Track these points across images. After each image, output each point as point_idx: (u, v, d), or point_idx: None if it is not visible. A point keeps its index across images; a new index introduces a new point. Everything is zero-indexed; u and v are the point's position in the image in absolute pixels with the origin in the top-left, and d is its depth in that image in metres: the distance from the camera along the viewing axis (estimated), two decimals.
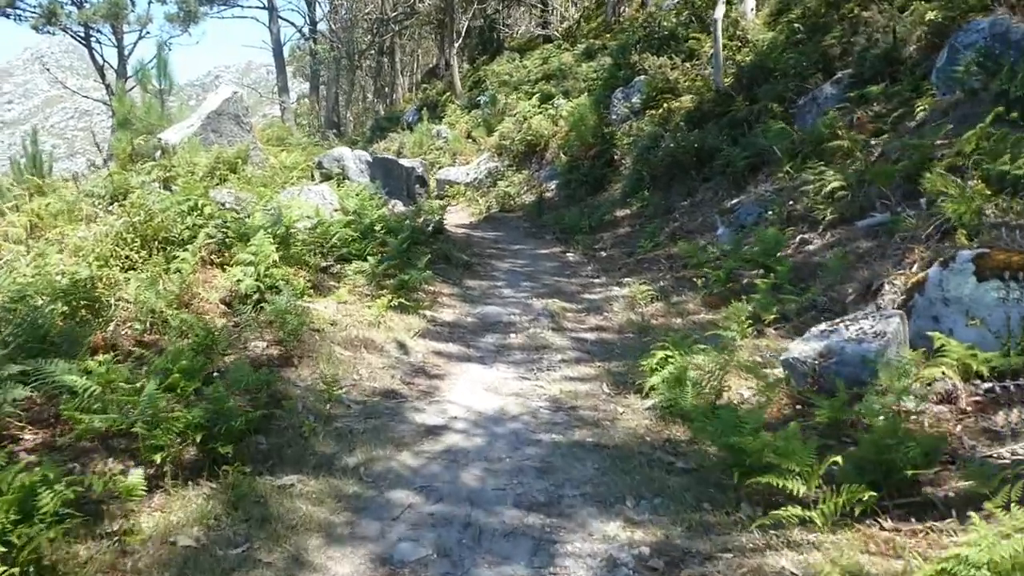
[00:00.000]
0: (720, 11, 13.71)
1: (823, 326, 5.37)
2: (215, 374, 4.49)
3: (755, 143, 10.50)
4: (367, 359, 5.53)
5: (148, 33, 27.46)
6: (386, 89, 38.58)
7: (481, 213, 14.50)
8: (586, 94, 16.97)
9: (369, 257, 7.36)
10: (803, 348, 5.17)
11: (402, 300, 6.59)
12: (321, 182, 11.72)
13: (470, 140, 19.99)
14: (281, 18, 30.21)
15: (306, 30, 33.05)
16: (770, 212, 8.75)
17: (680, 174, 11.46)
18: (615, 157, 14.01)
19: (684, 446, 4.35)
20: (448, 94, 25.35)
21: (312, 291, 6.64)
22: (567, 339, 6.50)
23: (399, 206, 11.51)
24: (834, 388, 4.76)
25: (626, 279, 8.70)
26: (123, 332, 4.95)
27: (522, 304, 7.62)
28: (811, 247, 7.71)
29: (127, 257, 5.78)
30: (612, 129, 14.68)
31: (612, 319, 7.09)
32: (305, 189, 9.76)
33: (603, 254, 10.42)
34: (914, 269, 6.22)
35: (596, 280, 8.88)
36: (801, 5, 13.92)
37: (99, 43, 26.18)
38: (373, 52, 33.16)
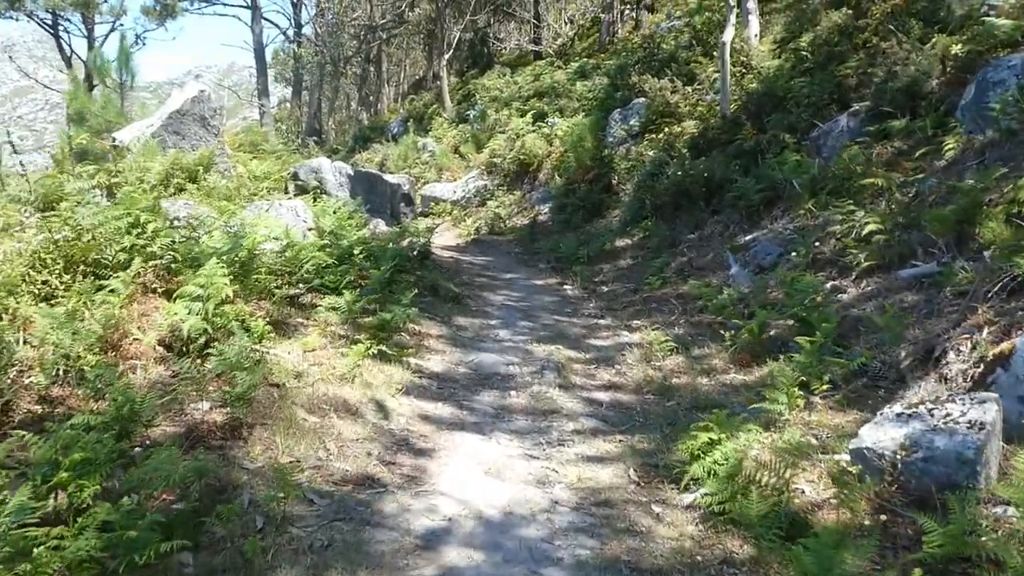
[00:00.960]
0: (729, 34, 12.86)
1: (897, 407, 4.36)
2: (135, 450, 3.37)
3: (770, 175, 9.58)
4: (337, 427, 4.42)
5: (122, 25, 26.10)
6: (371, 98, 37.48)
7: (469, 235, 13.44)
8: (582, 114, 16.03)
9: (345, 291, 6.26)
10: (877, 436, 4.15)
11: (383, 347, 5.48)
12: (296, 196, 10.61)
13: (457, 155, 18.96)
14: (264, 18, 29.02)
15: (291, 32, 31.92)
16: (794, 253, 7.79)
17: (687, 204, 10.51)
18: (613, 182, 13.04)
19: (747, 570, 3.31)
20: (436, 106, 24.32)
21: (275, 332, 5.52)
22: (578, 400, 5.44)
23: (382, 226, 10.42)
24: (924, 492, 3.77)
25: (635, 321, 7.67)
26: (22, 385, 3.80)
27: (521, 351, 6.55)
28: (845, 296, 6.74)
29: (45, 283, 4.63)
30: (610, 152, 13.74)
31: (627, 374, 6.05)
32: (276, 204, 8.63)
33: (604, 289, 9.40)
34: (985, 335, 5.26)
35: (601, 321, 7.84)
36: (811, 32, 13.08)
37: (68, 32, 24.82)
38: (359, 59, 32.06)
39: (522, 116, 17.46)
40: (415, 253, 9.58)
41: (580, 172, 13.40)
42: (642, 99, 14.85)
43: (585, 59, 21.90)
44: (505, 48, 29.48)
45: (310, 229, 8.78)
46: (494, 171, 16.45)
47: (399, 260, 8.42)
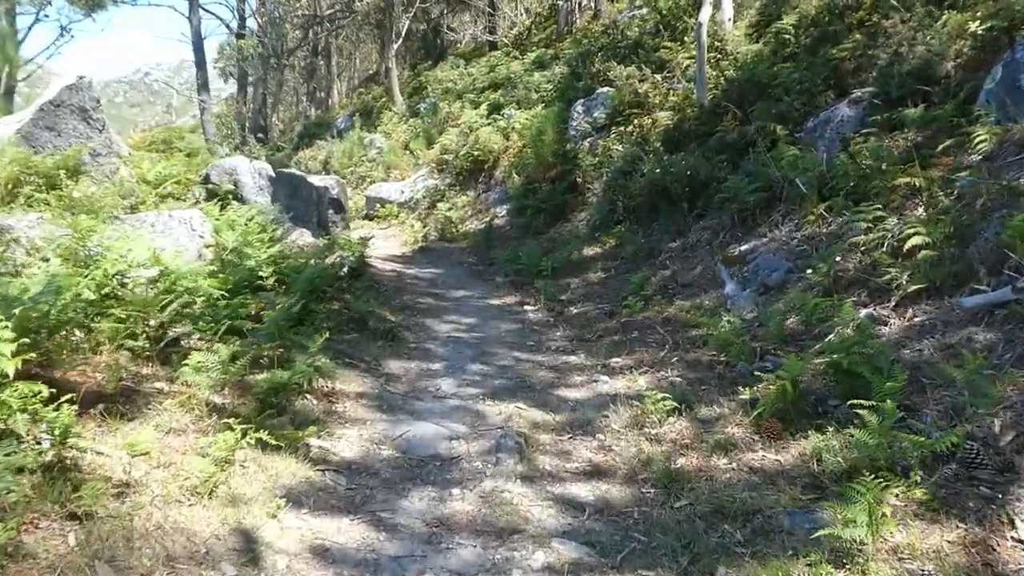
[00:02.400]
0: (706, 13, 11.28)
1: None
2: None
3: (764, 173, 7.98)
4: None
5: (47, 16, 23.66)
6: (321, 94, 35.21)
7: (417, 242, 11.61)
8: (541, 105, 14.30)
9: (228, 339, 4.42)
10: None
11: (264, 435, 3.67)
12: (205, 202, 8.69)
13: (408, 152, 17.08)
14: (204, 9, 26.73)
15: (234, 25, 29.55)
16: (809, 270, 6.18)
17: (666, 207, 8.86)
18: (578, 181, 11.35)
19: None
20: (385, 100, 22.34)
21: (115, 409, 3.70)
22: (549, 503, 3.72)
23: (307, 237, 8.57)
24: None
25: (616, 359, 5.98)
26: None
27: (470, 413, 4.80)
28: (887, 330, 5.14)
29: None
30: (574, 147, 12.04)
31: (613, 448, 4.35)
32: (163, 216, 6.74)
33: (574, 311, 7.69)
34: None
35: (573, 359, 6.13)
36: (795, 13, 11.50)
37: None
38: (306, 52, 29.85)
39: (476, 108, 15.66)
40: (344, 271, 7.76)
41: (541, 169, 11.67)
42: (607, 89, 13.20)
43: (543, 49, 20.19)
44: (460, 39, 27.59)
45: (208, 246, 6.91)
46: (445, 169, 14.64)
47: (319, 283, 6.60)
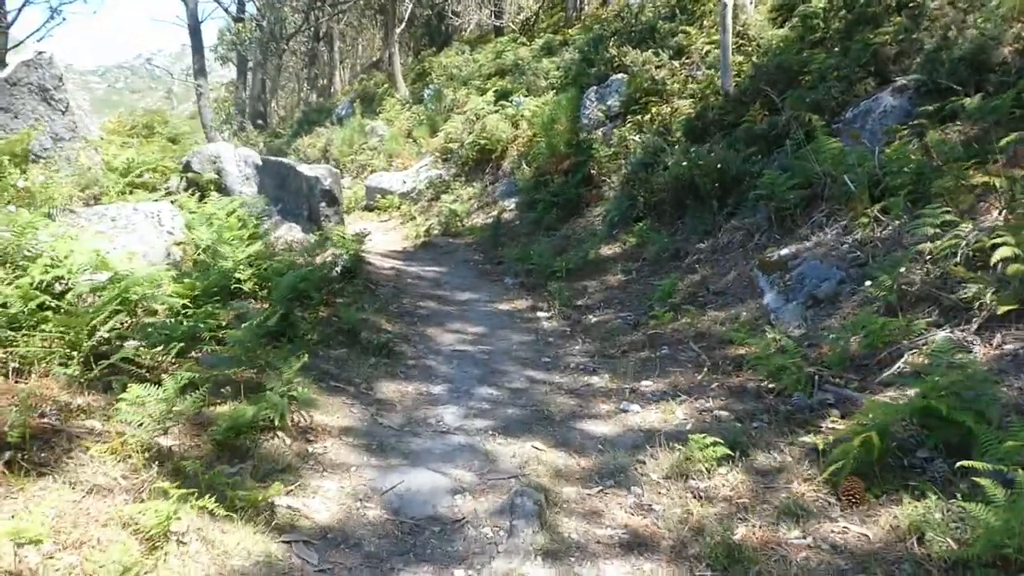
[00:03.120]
0: None
1: None
2: None
3: (803, 168, 7.09)
4: None
5: None
6: (323, 81, 34.20)
7: (419, 236, 10.73)
8: (552, 92, 13.36)
9: (166, 379, 3.51)
10: None
11: (211, 503, 2.80)
12: (183, 192, 7.83)
13: (410, 140, 16.16)
14: None
15: (233, 8, 28.52)
16: (868, 282, 5.29)
17: (694, 204, 7.96)
18: (593, 173, 10.45)
19: None
20: (388, 86, 21.38)
21: (14, 463, 2.85)
22: None
23: (296, 232, 7.69)
24: None
25: (645, 383, 5.11)
26: None
27: (477, 455, 3.94)
28: (971, 357, 4.25)
29: None
30: (588, 137, 11.13)
31: (654, 508, 3.49)
32: (126, 210, 5.87)
33: (592, 319, 6.82)
34: None
35: (595, 380, 5.26)
36: None
37: None
38: (306, 37, 28.84)
39: (482, 95, 14.72)
40: (337, 271, 6.89)
41: (553, 160, 10.77)
42: (621, 75, 12.30)
43: (551, 35, 19.22)
44: (465, 25, 26.56)
45: (178, 244, 6.04)
46: (450, 159, 13.73)
47: (305, 287, 5.73)
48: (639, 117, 10.98)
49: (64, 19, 22.74)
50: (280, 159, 8.15)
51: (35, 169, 5.95)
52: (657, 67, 12.01)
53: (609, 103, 12.02)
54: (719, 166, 7.69)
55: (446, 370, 5.33)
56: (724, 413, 4.40)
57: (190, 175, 8.43)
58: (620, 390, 5.05)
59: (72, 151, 7.02)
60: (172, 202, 6.87)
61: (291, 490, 3.33)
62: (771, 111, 8.92)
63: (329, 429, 4.02)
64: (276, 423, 3.74)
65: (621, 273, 7.86)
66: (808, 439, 3.92)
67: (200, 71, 27.08)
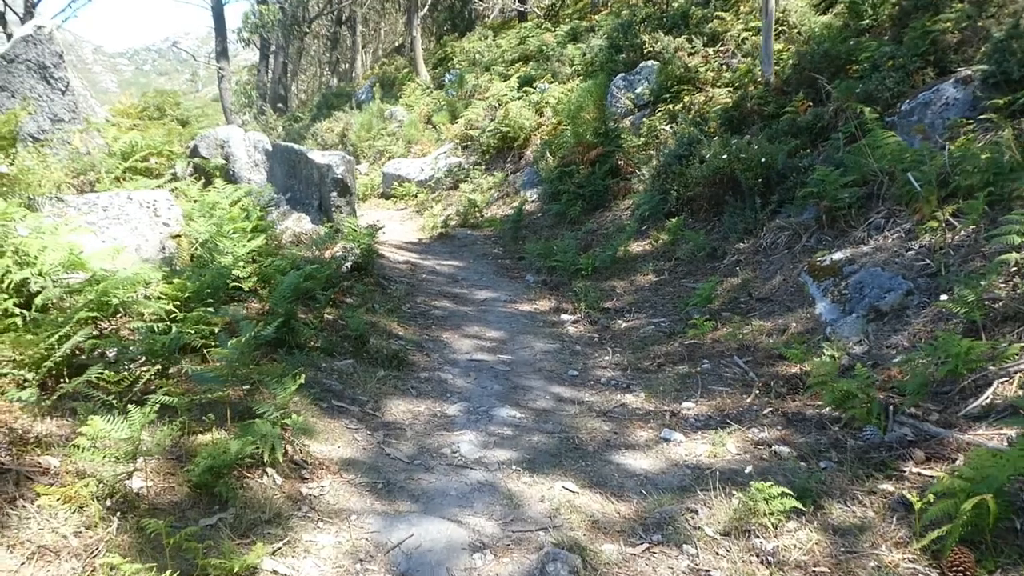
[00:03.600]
0: None
1: None
2: None
3: (858, 164, 6.37)
4: None
5: None
6: (345, 65, 33.53)
7: (436, 227, 10.09)
8: (579, 79, 12.62)
9: (133, 411, 2.90)
10: None
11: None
12: (188, 178, 7.26)
13: (430, 127, 15.49)
14: None
15: None
16: (944, 296, 4.59)
17: (734, 200, 7.25)
18: (621, 164, 9.75)
19: None
20: (408, 71, 20.67)
21: None
22: None
23: (305, 223, 7.07)
24: None
25: (686, 404, 4.46)
26: None
27: (501, 498, 3.31)
28: None
29: None
30: (617, 126, 10.41)
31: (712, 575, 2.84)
32: (119, 198, 5.27)
33: (622, 324, 6.16)
34: None
35: (630, 398, 4.62)
36: None
37: None
38: (329, 20, 28.14)
39: (505, 81, 14.00)
40: (347, 267, 6.28)
41: (579, 150, 10.07)
42: (652, 62, 11.55)
43: (577, 20, 18.41)
44: (488, 10, 25.75)
45: (175, 236, 5.44)
46: (470, 146, 13.05)
47: (310, 287, 5.13)
48: (671, 106, 10.27)
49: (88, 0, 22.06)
50: (290, 144, 7.52)
51: (24, 153, 5.36)
52: (690, 54, 11.27)
53: (638, 91, 11.30)
54: (763, 160, 6.97)
55: (463, 384, 4.70)
56: (784, 449, 3.73)
57: (197, 160, 7.84)
58: (659, 412, 4.40)
59: (70, 133, 6.44)
60: (172, 190, 6.28)
61: (278, 548, 2.72)
62: (816, 102, 8.20)
63: (328, 463, 3.40)
64: (265, 458, 3.13)
65: (652, 273, 7.18)
66: (890, 487, 3.26)
67: (222, 53, 26.59)
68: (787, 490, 3.11)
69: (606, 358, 5.42)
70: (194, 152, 8.01)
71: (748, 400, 4.43)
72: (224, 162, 7.84)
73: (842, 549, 2.91)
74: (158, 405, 2.96)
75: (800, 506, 3.09)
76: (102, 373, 3.09)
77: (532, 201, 10.53)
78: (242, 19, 32.39)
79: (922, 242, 5.36)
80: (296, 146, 7.31)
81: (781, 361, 4.88)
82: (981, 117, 6.16)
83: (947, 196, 5.56)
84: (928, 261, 5.10)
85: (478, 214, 10.62)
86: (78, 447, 2.78)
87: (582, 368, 5.20)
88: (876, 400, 3.88)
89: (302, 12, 25.29)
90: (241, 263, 5.28)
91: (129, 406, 2.87)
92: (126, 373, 3.20)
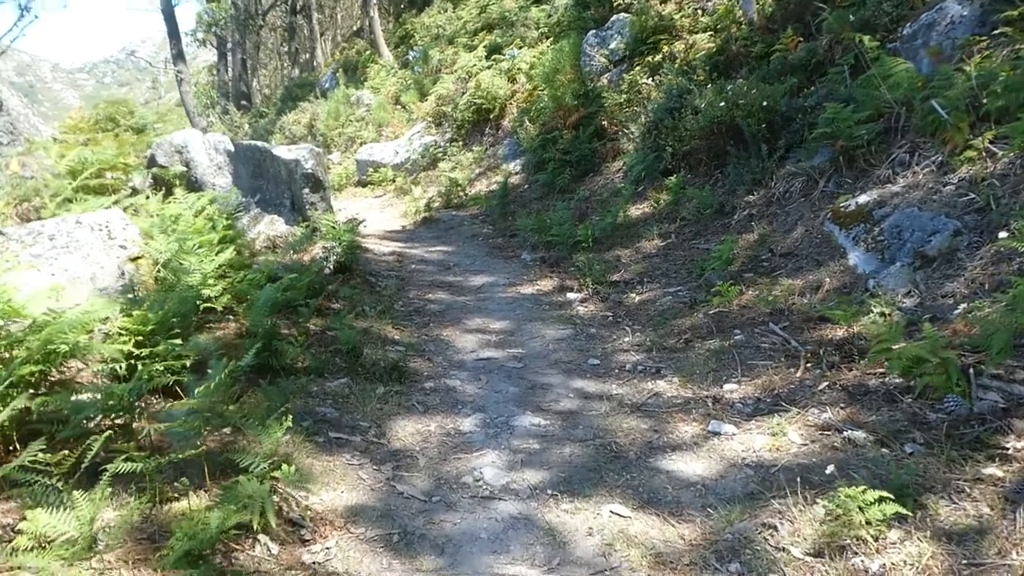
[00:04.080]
0: None
1: None
2: None
3: (871, 97, 5.77)
4: None
5: None
6: (305, 55, 32.30)
7: (419, 212, 9.41)
8: (549, 41, 11.85)
9: (79, 500, 2.29)
10: None
11: None
12: (148, 191, 6.57)
13: (399, 107, 14.68)
14: None
15: None
16: (1004, 233, 4.01)
17: (736, 150, 6.62)
18: (605, 124, 9.07)
19: None
20: (370, 53, 19.73)
21: None
22: None
23: (278, 225, 6.39)
24: None
25: (728, 386, 3.89)
26: None
27: (540, 535, 2.74)
28: None
29: None
30: (595, 85, 9.72)
31: None
32: (67, 223, 4.58)
33: (635, 298, 5.57)
34: None
35: (662, 385, 4.04)
36: None
37: None
38: (283, 11, 26.96)
39: (472, 51, 13.20)
40: (330, 268, 5.64)
41: (559, 114, 9.38)
42: (623, 15, 10.80)
43: None
44: None
45: (134, 259, 4.76)
46: (444, 122, 12.30)
47: (290, 298, 4.50)
48: (649, 59, 9.57)
49: (36, 17, 20.84)
50: (254, 143, 6.80)
51: None
52: (663, 1, 10.55)
53: (612, 46, 10.56)
54: (764, 104, 6.33)
55: (473, 391, 4.10)
56: (858, 434, 3.17)
57: (155, 170, 7.11)
58: (699, 399, 3.82)
59: (7, 158, 5.69)
60: (128, 207, 5.58)
61: None
62: (806, 37, 7.55)
63: (332, 515, 2.80)
64: (255, 525, 2.52)
65: (658, 237, 6.58)
66: (997, 471, 2.71)
67: (179, 56, 25.38)
68: (885, 493, 2.54)
69: (626, 339, 4.83)
70: (151, 162, 7.27)
71: (797, 374, 3.86)
72: (184, 169, 7.11)
73: (963, 561, 2.35)
74: (113, 482, 2.34)
75: (903, 510, 2.53)
76: (44, 448, 2.46)
77: (516, 173, 9.85)
78: (195, 19, 31.09)
79: (960, 175, 4.77)
80: (259, 143, 6.60)
81: (824, 323, 4.31)
82: (996, 32, 5.54)
83: (976, 121, 4.98)
84: (972, 195, 4.52)
85: (461, 193, 9.93)
86: (15, 551, 2.16)
87: (602, 355, 4.61)
88: (953, 363, 3.31)
89: (255, 5, 24.14)
90: (211, 281, 4.62)
91: (76, 492, 2.24)
92: (66, 451, 2.56)
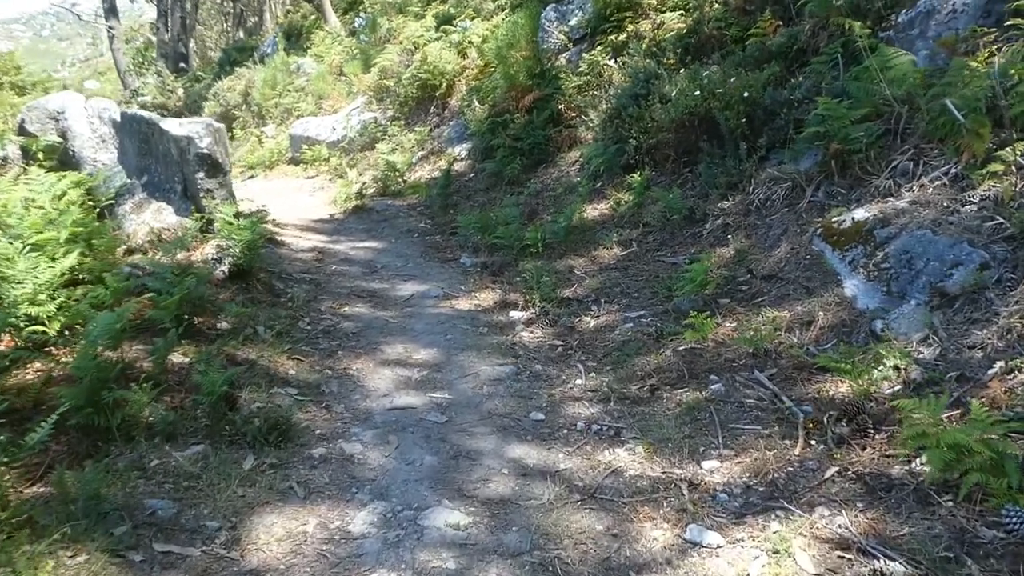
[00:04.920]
0: None
1: None
2: None
3: (868, 91, 4.88)
4: None
5: None
6: (254, 19, 30.23)
7: (350, 199, 8.24)
8: (504, 13, 10.70)
9: None
10: None
11: None
12: (17, 164, 5.29)
13: (342, 78, 13.35)
14: None
15: None
16: None
17: (710, 146, 5.67)
18: (562, 108, 8.04)
19: None
20: (316, 18, 18.19)
21: None
22: None
23: (168, 215, 5.20)
24: None
25: (707, 463, 2.95)
26: None
27: None
28: None
29: None
30: (552, 64, 8.66)
31: None
32: None
33: (590, 322, 4.60)
34: None
35: (623, 458, 3.08)
36: None
37: None
38: None
39: (420, 20, 11.96)
40: (223, 273, 4.51)
41: (512, 95, 8.30)
42: None
43: None
44: None
45: None
46: (386, 98, 11.07)
47: (159, 317, 3.40)
48: (613, 37, 8.54)
49: None
50: (139, 112, 5.54)
51: None
52: None
53: (572, 23, 9.51)
54: (745, 95, 5.38)
55: (377, 462, 3.07)
56: (896, 567, 2.25)
57: (23, 140, 5.82)
58: (670, 482, 2.88)
59: None
60: None
61: None
62: (786, 21, 6.64)
63: None
64: None
65: (617, 246, 5.61)
66: None
67: (111, 11, 23.39)
68: None
69: (578, 381, 3.86)
70: (21, 130, 5.97)
71: (796, 451, 2.94)
72: (60, 140, 5.84)
73: None
74: None
75: None
76: None
77: (461, 160, 8.75)
78: None
79: (981, 192, 3.91)
80: (145, 113, 5.36)
81: (821, 374, 3.41)
82: (1007, 24, 4.69)
83: (994, 127, 4.13)
84: (1000, 219, 3.66)
85: (399, 179, 8.79)
86: None
87: (548, 405, 3.62)
88: (1013, 459, 2.43)
89: None
90: (45, 294, 3.47)
91: None
92: None
